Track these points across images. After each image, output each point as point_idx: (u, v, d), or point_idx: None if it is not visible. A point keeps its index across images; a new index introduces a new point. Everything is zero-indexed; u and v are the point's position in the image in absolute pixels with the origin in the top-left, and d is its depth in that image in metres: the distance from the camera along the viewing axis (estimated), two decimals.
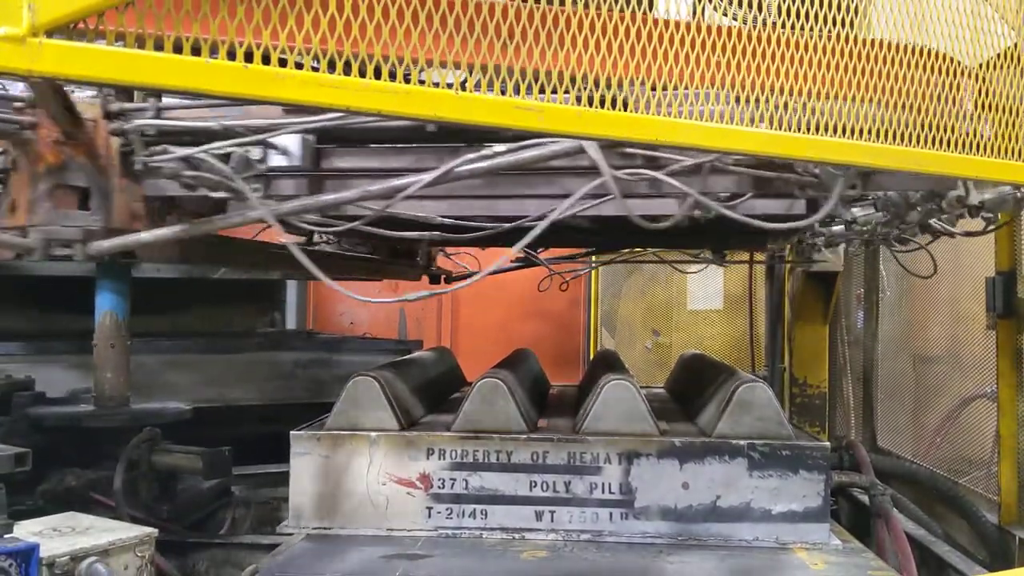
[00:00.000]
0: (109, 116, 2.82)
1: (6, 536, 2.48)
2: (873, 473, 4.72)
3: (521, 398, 3.52)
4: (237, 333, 6.87)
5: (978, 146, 2.10)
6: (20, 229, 2.79)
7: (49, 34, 1.21)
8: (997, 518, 3.99)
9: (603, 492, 3.27)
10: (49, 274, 5.28)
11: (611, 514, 3.26)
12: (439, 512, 3.29)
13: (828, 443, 3.32)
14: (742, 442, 3.25)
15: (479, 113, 1.52)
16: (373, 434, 3.32)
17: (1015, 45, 2.26)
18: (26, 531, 2.69)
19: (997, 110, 2.17)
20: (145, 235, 2.77)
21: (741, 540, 3.21)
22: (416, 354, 5.43)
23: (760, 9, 2.01)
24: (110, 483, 3.76)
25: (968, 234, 3.43)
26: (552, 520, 3.28)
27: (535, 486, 3.29)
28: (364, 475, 3.30)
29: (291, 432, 3.36)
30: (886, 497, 4.32)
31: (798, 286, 6.03)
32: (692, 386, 4.26)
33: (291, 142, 2.71)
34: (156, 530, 2.96)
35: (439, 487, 3.30)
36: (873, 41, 2.01)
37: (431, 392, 4.15)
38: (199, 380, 5.33)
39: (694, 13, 1.97)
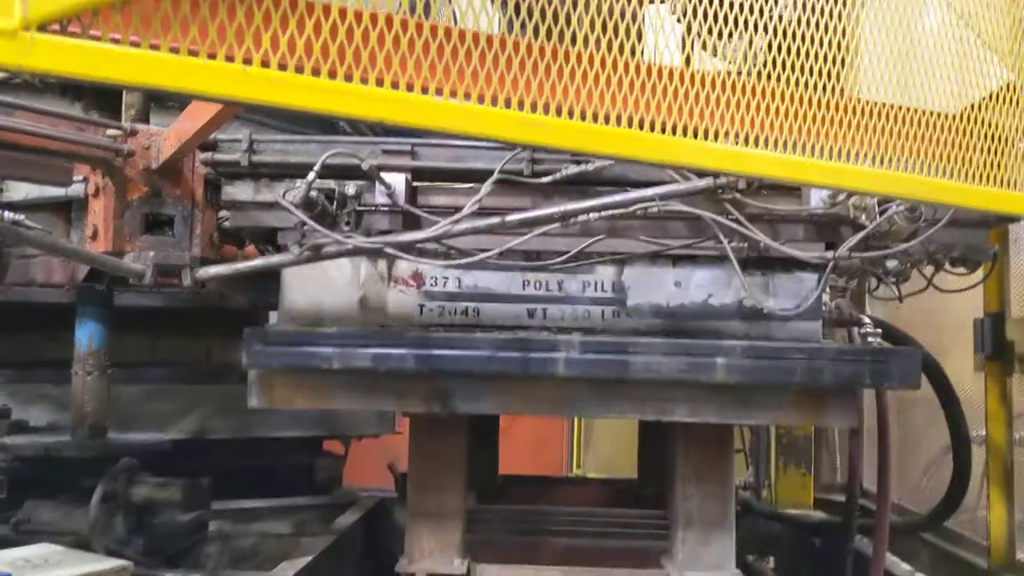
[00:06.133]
0: (201, 147, 2.90)
1: None
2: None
3: None
4: (217, 364, 6.74)
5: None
6: (118, 255, 2.87)
7: (42, 29, 1.18)
8: (987, 562, 3.95)
9: (596, 291, 3.20)
10: (26, 300, 5.17)
11: (603, 312, 3.19)
12: (431, 310, 3.20)
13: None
14: None
15: (484, 125, 1.49)
16: None
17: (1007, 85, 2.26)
18: None
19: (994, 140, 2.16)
20: (246, 264, 2.86)
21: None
22: None
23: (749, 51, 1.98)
24: (85, 514, 3.66)
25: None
26: (544, 317, 3.20)
27: (528, 284, 3.21)
28: (357, 279, 3.20)
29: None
30: None
31: None
32: None
33: (394, 180, 2.94)
34: (131, 563, 2.88)
35: (431, 285, 3.21)
36: None
37: None
38: (178, 411, 5.23)
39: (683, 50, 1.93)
